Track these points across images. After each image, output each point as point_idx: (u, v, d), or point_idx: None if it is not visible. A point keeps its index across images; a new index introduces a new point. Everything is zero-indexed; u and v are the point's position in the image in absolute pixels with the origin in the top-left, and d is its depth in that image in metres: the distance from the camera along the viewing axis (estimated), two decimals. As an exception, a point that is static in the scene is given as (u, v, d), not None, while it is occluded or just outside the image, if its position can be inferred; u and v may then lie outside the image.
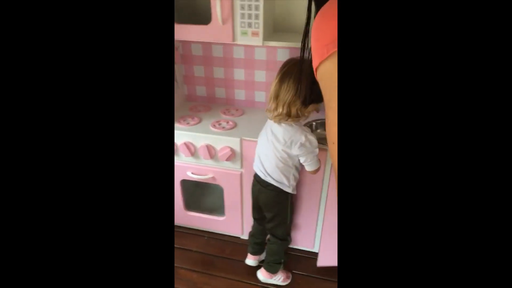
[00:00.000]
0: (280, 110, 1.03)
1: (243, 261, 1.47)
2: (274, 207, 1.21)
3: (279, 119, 1.05)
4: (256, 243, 1.40)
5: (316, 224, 1.41)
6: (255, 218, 1.35)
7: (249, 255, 1.44)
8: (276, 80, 1.02)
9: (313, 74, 0.46)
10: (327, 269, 1.43)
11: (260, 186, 1.18)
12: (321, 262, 1.42)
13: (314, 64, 0.44)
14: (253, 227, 1.39)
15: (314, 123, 1.44)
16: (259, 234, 1.38)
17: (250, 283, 1.39)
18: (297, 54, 1.38)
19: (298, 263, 1.47)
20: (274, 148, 1.10)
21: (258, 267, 1.41)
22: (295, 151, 1.07)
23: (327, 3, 0.42)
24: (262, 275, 1.36)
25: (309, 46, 0.53)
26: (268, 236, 1.34)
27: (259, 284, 1.38)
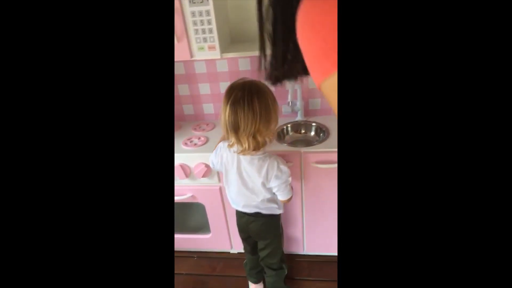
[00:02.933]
0: (246, 145, 0.92)
1: (236, 276, 1.44)
2: (268, 233, 1.14)
3: (247, 153, 0.95)
4: (257, 272, 1.32)
5: (302, 226, 1.41)
6: (247, 252, 1.27)
7: (251, 284, 1.36)
8: (228, 111, 0.90)
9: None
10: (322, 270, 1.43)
11: (248, 217, 1.11)
12: (309, 249, 1.45)
13: (318, 77, 0.34)
14: (249, 259, 1.30)
15: (285, 126, 1.45)
16: (257, 264, 1.29)
17: (245, 297, 1.36)
18: (257, 62, 1.40)
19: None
20: (252, 184, 1.02)
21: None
22: (272, 183, 1.01)
23: None
24: None
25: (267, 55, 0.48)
26: (265, 271, 1.25)
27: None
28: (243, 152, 0.95)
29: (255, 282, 1.35)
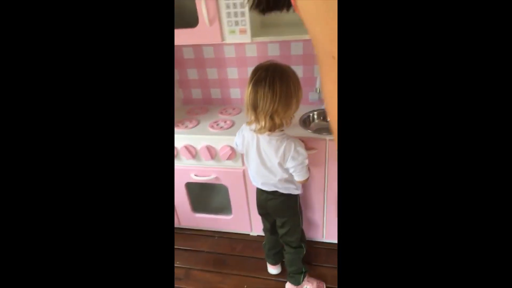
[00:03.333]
0: (262, 123, 0.96)
1: (254, 257, 1.48)
2: (286, 211, 1.18)
3: (264, 132, 0.99)
4: (275, 253, 1.36)
5: (323, 213, 1.42)
6: (266, 230, 1.30)
7: (270, 266, 1.40)
8: (249, 89, 0.95)
9: None
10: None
11: (267, 194, 1.15)
12: (328, 237, 1.46)
13: None
14: (267, 239, 1.34)
15: (311, 114, 1.44)
16: (275, 244, 1.33)
17: (263, 278, 1.40)
18: (287, 47, 1.39)
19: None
20: (270, 164, 1.05)
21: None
22: (288, 163, 1.03)
23: None
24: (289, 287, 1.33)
25: None
26: (285, 248, 1.29)
27: (272, 279, 1.40)
28: (260, 130, 0.99)
29: (273, 264, 1.39)
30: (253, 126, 1.01)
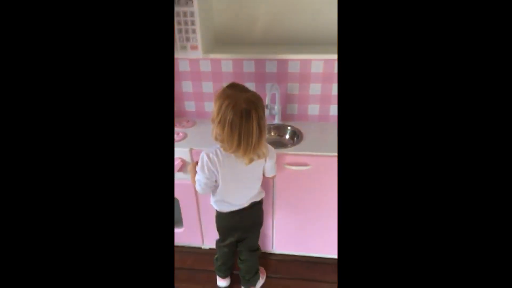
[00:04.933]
0: (251, 155, 0.98)
1: (206, 270, 1.48)
2: (259, 218, 1.24)
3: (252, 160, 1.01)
4: (227, 268, 1.38)
5: (272, 224, 1.46)
6: (227, 245, 1.27)
7: (220, 279, 1.40)
8: (239, 120, 0.91)
9: None
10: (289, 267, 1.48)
11: (241, 214, 1.15)
12: (278, 248, 1.52)
13: None
14: (223, 254, 1.32)
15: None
16: (229, 258, 1.34)
17: (212, 291, 1.40)
18: (239, 64, 1.45)
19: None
20: (253, 180, 1.10)
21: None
22: (267, 163, 1.10)
23: None
24: None
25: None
26: (242, 256, 1.30)
27: (222, 291, 1.40)
28: (250, 160, 1.01)
29: (223, 277, 1.40)
30: (242, 158, 1.00)
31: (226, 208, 1.15)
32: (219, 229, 1.24)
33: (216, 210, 1.19)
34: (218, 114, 0.94)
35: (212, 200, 1.17)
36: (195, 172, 1.11)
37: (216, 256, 1.38)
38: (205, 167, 1.03)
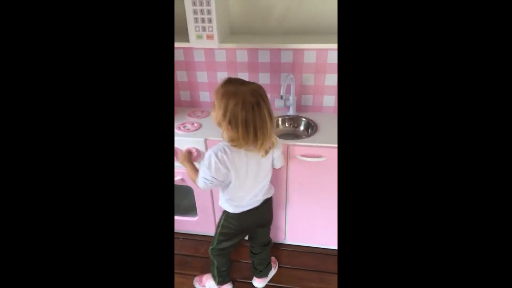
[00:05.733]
0: (266, 147, 0.97)
1: (218, 258, 1.50)
2: (270, 215, 1.25)
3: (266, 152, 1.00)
4: (228, 273, 1.33)
5: (285, 216, 1.47)
6: (231, 246, 1.22)
7: (226, 285, 1.36)
8: (248, 110, 0.88)
9: None
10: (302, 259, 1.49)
11: (254, 212, 1.12)
12: (290, 239, 1.53)
13: None
14: (226, 262, 1.27)
15: (276, 120, 1.49)
16: (229, 264, 1.31)
17: (225, 279, 1.42)
18: (254, 54, 1.44)
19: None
20: (264, 175, 1.08)
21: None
22: (275, 153, 1.09)
23: None
24: (259, 282, 1.36)
25: None
26: (254, 250, 1.31)
27: (236, 279, 1.42)
28: (265, 153, 1.00)
29: (228, 281, 1.36)
30: (258, 151, 0.98)
31: (239, 209, 1.11)
32: (229, 231, 1.16)
33: (226, 211, 1.13)
34: (225, 115, 0.89)
35: (222, 200, 1.12)
36: (190, 166, 1.12)
37: (215, 264, 1.25)
38: (213, 167, 0.97)
